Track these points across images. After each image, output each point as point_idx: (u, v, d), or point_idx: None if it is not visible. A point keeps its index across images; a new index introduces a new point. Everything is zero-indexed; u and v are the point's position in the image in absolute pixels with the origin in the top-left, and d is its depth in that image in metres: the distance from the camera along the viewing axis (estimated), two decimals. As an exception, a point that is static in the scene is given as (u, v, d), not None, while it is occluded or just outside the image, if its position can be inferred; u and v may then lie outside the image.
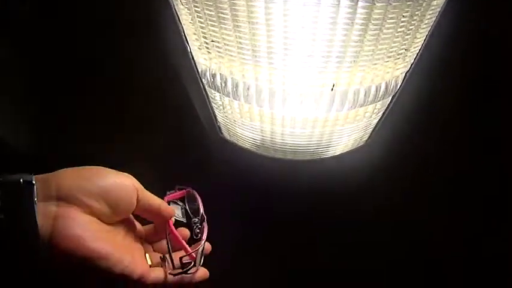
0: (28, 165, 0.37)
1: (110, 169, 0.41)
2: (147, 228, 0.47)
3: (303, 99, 0.40)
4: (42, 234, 0.35)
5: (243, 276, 0.63)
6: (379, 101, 0.43)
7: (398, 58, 0.40)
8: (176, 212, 0.48)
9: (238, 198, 0.43)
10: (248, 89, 0.41)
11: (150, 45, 0.48)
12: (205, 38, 0.40)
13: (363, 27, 0.35)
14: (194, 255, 0.44)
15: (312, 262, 0.65)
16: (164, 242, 0.45)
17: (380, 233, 0.62)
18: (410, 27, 0.38)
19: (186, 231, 0.47)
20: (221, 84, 0.42)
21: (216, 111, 0.49)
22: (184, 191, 0.51)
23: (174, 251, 0.44)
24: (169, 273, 0.42)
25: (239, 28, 0.36)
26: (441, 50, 0.43)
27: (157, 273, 0.42)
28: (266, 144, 0.48)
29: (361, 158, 0.50)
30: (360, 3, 0.33)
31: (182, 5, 0.40)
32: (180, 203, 0.50)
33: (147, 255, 0.44)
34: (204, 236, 0.46)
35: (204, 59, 0.42)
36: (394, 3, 0.34)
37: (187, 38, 0.43)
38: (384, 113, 0.47)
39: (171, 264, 0.43)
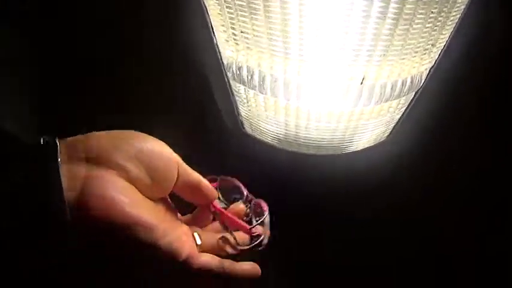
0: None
1: (147, 134, 0.35)
2: (185, 218, 0.41)
3: (331, 93, 0.40)
4: (67, 198, 0.29)
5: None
6: (404, 96, 0.43)
7: (425, 53, 0.40)
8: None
9: (255, 191, 0.43)
10: (276, 81, 0.41)
11: (172, 39, 0.48)
12: (233, 29, 0.39)
13: (394, 21, 0.35)
14: (259, 230, 0.38)
15: (321, 256, 0.66)
16: (208, 227, 0.40)
17: (390, 229, 0.62)
18: (437, 23, 0.38)
19: (238, 207, 0.40)
20: (247, 77, 0.42)
21: (240, 105, 0.49)
22: (216, 183, 0.43)
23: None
24: (240, 249, 0.37)
25: (270, 19, 0.36)
26: (467, 46, 0.44)
27: (207, 258, 0.35)
28: (289, 139, 0.47)
29: (381, 153, 0.51)
30: (393, -2, 0.33)
31: (211, -5, 0.40)
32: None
33: (195, 233, 0.37)
34: (266, 208, 0.40)
35: (231, 51, 0.42)
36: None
37: (214, 29, 0.43)
38: (406, 109, 0.48)
39: (234, 241, 0.37)
